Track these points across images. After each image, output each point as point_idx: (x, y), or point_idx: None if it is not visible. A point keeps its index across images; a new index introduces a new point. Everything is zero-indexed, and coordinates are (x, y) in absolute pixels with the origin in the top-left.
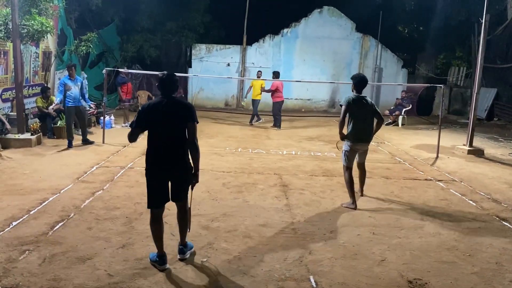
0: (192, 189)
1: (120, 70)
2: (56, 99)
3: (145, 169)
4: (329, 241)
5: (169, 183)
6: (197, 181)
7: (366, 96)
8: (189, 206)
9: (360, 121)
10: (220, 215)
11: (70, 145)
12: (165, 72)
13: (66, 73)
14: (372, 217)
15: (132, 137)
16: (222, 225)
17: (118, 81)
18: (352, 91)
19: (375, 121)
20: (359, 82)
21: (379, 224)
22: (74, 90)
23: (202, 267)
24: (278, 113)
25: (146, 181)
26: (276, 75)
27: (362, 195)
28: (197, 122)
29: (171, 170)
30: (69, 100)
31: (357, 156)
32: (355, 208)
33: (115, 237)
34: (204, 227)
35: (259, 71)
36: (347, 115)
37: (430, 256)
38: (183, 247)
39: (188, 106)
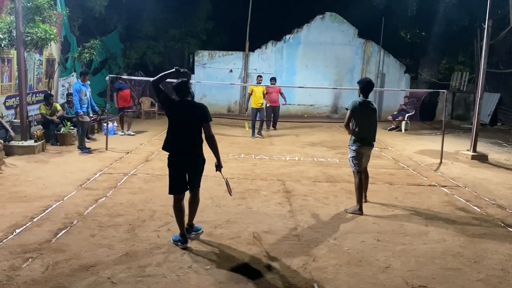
0: (221, 173)
1: (122, 76)
2: (78, 109)
3: (167, 163)
4: (333, 248)
5: (187, 174)
6: (222, 166)
7: (372, 101)
8: (226, 178)
9: (366, 125)
10: (224, 221)
11: (86, 150)
12: (179, 80)
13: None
14: (376, 223)
15: (156, 79)
16: (225, 232)
17: (114, 87)
18: (359, 95)
19: None
20: (366, 86)
21: (383, 231)
22: (87, 95)
23: (206, 274)
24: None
25: (168, 172)
26: (275, 80)
27: (366, 201)
28: (211, 120)
29: (188, 164)
30: (82, 105)
31: None
32: (361, 214)
33: (118, 244)
34: (208, 234)
35: (259, 76)
36: (353, 118)
37: (435, 263)
38: (189, 228)
39: (202, 107)
